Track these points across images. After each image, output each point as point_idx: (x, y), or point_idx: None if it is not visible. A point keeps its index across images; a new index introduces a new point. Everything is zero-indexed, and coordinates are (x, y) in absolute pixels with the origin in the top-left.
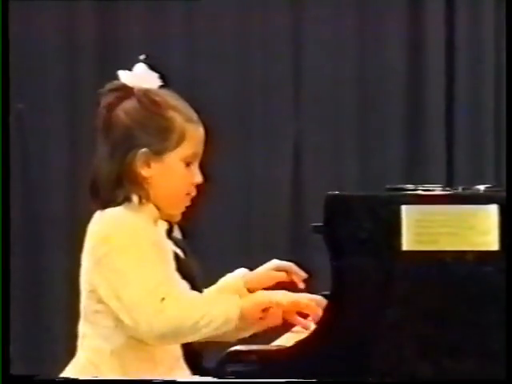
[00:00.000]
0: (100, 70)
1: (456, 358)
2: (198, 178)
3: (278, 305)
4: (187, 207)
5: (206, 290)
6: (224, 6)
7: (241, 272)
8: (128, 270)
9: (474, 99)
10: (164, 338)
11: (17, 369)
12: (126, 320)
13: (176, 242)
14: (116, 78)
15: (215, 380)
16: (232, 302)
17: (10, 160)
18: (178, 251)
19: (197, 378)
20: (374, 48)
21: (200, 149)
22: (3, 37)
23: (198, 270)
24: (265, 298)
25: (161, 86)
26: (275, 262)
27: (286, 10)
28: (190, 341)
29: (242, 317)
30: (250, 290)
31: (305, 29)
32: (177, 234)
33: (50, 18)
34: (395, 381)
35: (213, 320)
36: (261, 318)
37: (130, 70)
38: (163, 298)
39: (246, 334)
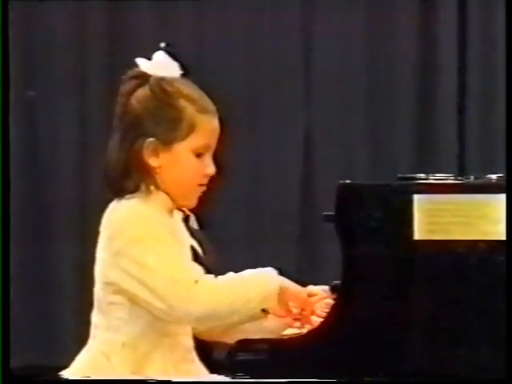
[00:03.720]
0: (110, 60)
1: (467, 348)
2: (211, 170)
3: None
4: (201, 197)
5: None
6: None
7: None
8: (149, 260)
9: (485, 88)
10: (202, 321)
11: (26, 359)
12: (161, 306)
13: (192, 233)
14: (128, 65)
15: (212, 380)
16: (270, 280)
17: (9, 158)
18: (194, 243)
19: (214, 378)
20: (385, 36)
21: (213, 140)
22: (3, 37)
23: (214, 262)
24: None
25: (182, 75)
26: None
27: (297, 0)
28: (228, 322)
29: (280, 297)
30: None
31: (315, 18)
32: (193, 223)
33: (61, 8)
34: (404, 371)
35: (250, 299)
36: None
37: (146, 58)
38: (196, 281)
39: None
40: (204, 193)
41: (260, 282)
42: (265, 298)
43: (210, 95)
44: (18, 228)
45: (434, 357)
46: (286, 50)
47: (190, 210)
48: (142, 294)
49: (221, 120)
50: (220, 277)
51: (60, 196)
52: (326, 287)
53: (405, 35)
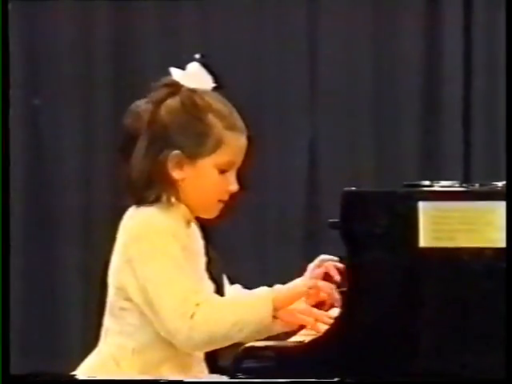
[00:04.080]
0: (115, 67)
1: (473, 354)
2: (234, 187)
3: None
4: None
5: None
6: None
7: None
8: (158, 278)
9: (491, 94)
10: (198, 348)
11: (31, 363)
12: (157, 326)
13: None
14: (133, 71)
15: (222, 380)
16: (264, 302)
17: (10, 159)
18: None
19: (217, 378)
20: (391, 42)
21: (238, 158)
22: (3, 36)
23: (219, 268)
24: (296, 289)
25: (214, 88)
26: (322, 257)
27: (301, 2)
28: (222, 346)
29: (276, 313)
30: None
31: (320, 21)
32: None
33: (65, 15)
34: (409, 379)
35: (245, 325)
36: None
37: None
38: (193, 315)
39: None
40: (225, 205)
41: (253, 306)
42: (261, 320)
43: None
44: (24, 233)
45: (440, 364)
46: (290, 56)
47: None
48: (146, 310)
49: (249, 138)
50: (217, 303)
51: (65, 202)
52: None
53: (410, 41)
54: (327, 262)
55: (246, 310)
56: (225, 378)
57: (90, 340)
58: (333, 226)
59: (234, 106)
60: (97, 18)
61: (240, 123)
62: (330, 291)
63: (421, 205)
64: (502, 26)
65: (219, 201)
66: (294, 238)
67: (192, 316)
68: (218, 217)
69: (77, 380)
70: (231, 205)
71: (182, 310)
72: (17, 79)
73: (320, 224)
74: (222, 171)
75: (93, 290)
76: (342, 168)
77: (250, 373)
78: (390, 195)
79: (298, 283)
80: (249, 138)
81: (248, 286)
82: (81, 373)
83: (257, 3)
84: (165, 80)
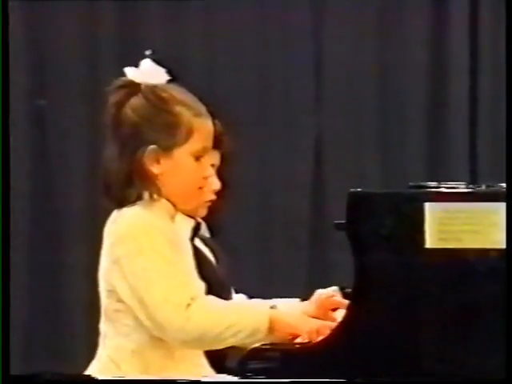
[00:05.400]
0: (120, 68)
1: (480, 356)
2: (209, 172)
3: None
4: (212, 204)
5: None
6: None
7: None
8: (147, 273)
9: (498, 94)
10: (188, 344)
11: (36, 366)
12: (148, 323)
13: (204, 241)
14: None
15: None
16: (262, 314)
17: (9, 160)
18: (206, 251)
19: (221, 378)
20: (397, 43)
21: (209, 142)
22: (3, 36)
23: (225, 269)
24: (297, 325)
25: (169, 81)
26: (319, 292)
27: (307, 3)
28: (214, 348)
29: (270, 330)
30: None
31: (326, 22)
32: (205, 231)
33: (71, 16)
34: (415, 379)
35: (240, 331)
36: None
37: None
38: (189, 304)
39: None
40: (215, 201)
41: (251, 314)
42: (255, 330)
43: (219, 102)
44: (30, 235)
45: (445, 363)
46: (296, 57)
47: (202, 218)
48: (136, 307)
49: (231, 126)
50: (214, 302)
51: (71, 203)
52: (336, 288)
53: (416, 41)
54: (334, 291)
55: (243, 317)
56: (231, 378)
57: (95, 341)
58: (338, 227)
59: (238, 106)
60: (103, 17)
61: (204, 109)
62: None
63: (427, 206)
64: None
65: (199, 188)
66: (299, 240)
67: (188, 306)
68: (209, 214)
69: (77, 380)
70: (222, 201)
71: (175, 300)
72: (22, 79)
73: (325, 225)
74: (198, 158)
75: (98, 290)
76: (348, 169)
77: (255, 373)
78: (396, 196)
79: (300, 320)
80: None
81: (253, 288)
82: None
83: (262, 3)
84: (119, 82)
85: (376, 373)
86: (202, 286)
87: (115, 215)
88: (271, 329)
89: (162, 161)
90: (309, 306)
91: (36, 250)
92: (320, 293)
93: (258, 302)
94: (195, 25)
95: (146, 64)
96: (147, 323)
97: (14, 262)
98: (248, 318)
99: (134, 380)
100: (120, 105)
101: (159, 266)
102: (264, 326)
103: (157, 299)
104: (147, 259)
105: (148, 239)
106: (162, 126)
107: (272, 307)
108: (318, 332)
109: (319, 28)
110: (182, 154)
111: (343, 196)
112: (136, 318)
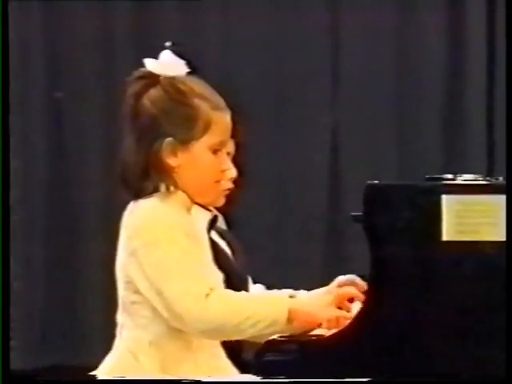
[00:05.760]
0: (137, 59)
1: (497, 349)
2: (226, 165)
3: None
4: (229, 197)
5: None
6: None
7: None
8: (166, 265)
9: None
10: (206, 334)
11: (55, 359)
12: (166, 314)
13: (221, 234)
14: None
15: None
16: (281, 304)
17: (9, 158)
18: (223, 243)
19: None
20: (413, 37)
21: (227, 136)
22: (3, 36)
23: (242, 261)
24: (317, 314)
25: (188, 73)
26: (340, 279)
27: (323, 0)
28: (233, 339)
29: (290, 320)
30: None
31: (343, 17)
32: (221, 224)
33: (86, 7)
34: (431, 371)
35: (259, 321)
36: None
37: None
38: (207, 295)
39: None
40: (231, 193)
41: (270, 305)
42: (274, 321)
43: (236, 96)
44: (47, 227)
45: (461, 358)
46: (312, 51)
47: (218, 210)
48: (154, 299)
49: (248, 120)
50: (232, 292)
51: (88, 195)
52: (356, 277)
53: (433, 35)
54: (354, 279)
55: (262, 307)
56: (254, 378)
57: (113, 336)
58: (356, 219)
59: (255, 100)
60: (118, 9)
61: (222, 102)
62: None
63: (444, 198)
64: None
65: (216, 182)
66: (316, 232)
67: (207, 296)
68: (226, 206)
69: (77, 380)
70: (238, 193)
71: (194, 290)
72: (39, 72)
73: (342, 217)
74: (215, 151)
75: (115, 282)
76: (364, 161)
77: (272, 366)
78: (414, 188)
79: (319, 308)
80: (236, 116)
81: (270, 281)
82: (100, 372)
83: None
84: (139, 72)
85: (391, 366)
86: (220, 276)
87: (132, 207)
88: (290, 318)
89: (179, 154)
90: (326, 295)
91: (53, 242)
92: (340, 279)
93: (276, 292)
94: (211, 23)
95: (166, 56)
96: (166, 314)
97: (32, 254)
98: (267, 308)
99: (135, 380)
100: (138, 96)
101: (177, 257)
102: (283, 315)
103: (175, 290)
104: (165, 251)
105: (165, 231)
106: (179, 119)
107: (291, 296)
108: (337, 321)
109: (337, 22)
110: (200, 147)
111: (360, 188)
112: (153, 310)
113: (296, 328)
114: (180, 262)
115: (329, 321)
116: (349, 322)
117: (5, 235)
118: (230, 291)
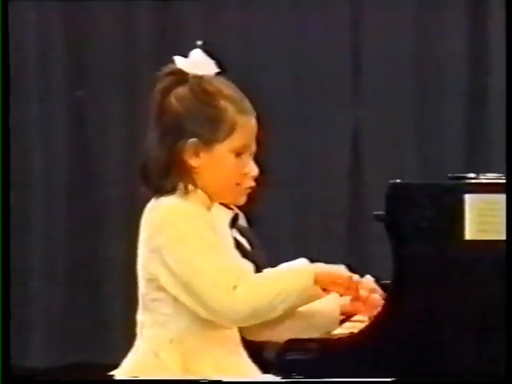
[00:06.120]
0: (158, 58)
1: None
2: (249, 169)
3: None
4: (249, 194)
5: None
6: None
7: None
8: (192, 259)
9: None
10: (243, 321)
11: (78, 357)
12: (198, 309)
13: (242, 232)
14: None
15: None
16: (305, 270)
17: (10, 157)
18: (243, 241)
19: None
20: (435, 35)
21: (251, 140)
22: (3, 36)
23: (263, 259)
24: (340, 271)
25: (217, 74)
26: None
27: None
28: (271, 318)
29: (316, 284)
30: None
31: (364, 15)
32: (242, 221)
33: (109, 8)
34: (454, 371)
35: (289, 294)
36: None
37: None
38: (235, 286)
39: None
40: (253, 191)
41: (296, 275)
42: (303, 289)
43: (257, 95)
44: (68, 226)
45: (483, 356)
46: (333, 50)
47: (239, 208)
48: (180, 293)
49: (268, 119)
50: (257, 275)
51: (109, 194)
52: (370, 277)
53: (454, 33)
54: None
55: (289, 280)
56: (274, 378)
57: (134, 334)
58: (378, 218)
59: (277, 99)
60: (141, 9)
61: (249, 106)
62: (370, 287)
63: (467, 197)
64: None
65: (236, 184)
66: (337, 231)
67: (235, 287)
68: (247, 204)
69: (77, 380)
70: (259, 191)
71: (223, 282)
72: (60, 71)
73: (363, 216)
74: (238, 154)
75: (137, 284)
76: (386, 161)
77: (293, 365)
78: (436, 187)
79: (341, 269)
80: (260, 120)
81: None
82: (121, 371)
83: None
84: (169, 68)
85: (414, 365)
86: (249, 266)
87: (153, 204)
88: (317, 281)
89: (201, 154)
90: None
91: (74, 241)
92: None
93: (298, 262)
94: (232, 22)
95: (196, 54)
96: (197, 308)
97: (52, 254)
98: (293, 279)
99: (135, 380)
100: (166, 92)
101: (202, 251)
102: (310, 281)
103: (205, 284)
104: (189, 244)
105: (188, 225)
106: (204, 120)
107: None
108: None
109: (357, 22)
110: (223, 149)
111: (381, 187)
112: (174, 307)
113: (322, 293)
114: (206, 255)
115: (348, 288)
116: (369, 322)
117: (5, 235)
118: (254, 275)
